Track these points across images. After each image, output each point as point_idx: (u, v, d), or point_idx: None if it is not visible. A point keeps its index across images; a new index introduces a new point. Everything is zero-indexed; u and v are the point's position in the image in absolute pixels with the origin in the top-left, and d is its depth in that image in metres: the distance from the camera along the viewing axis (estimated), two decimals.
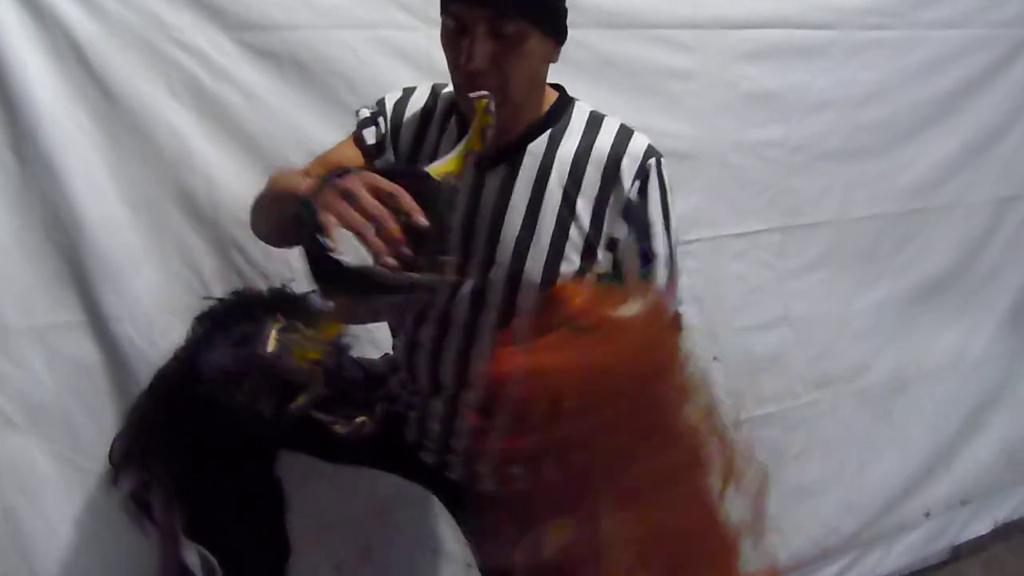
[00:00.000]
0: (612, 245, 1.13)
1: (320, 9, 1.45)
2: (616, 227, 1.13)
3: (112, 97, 1.34)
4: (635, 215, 1.12)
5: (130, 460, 1.37)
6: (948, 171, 2.15)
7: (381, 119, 1.20)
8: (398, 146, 1.20)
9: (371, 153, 1.19)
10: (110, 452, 1.38)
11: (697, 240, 1.82)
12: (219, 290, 1.43)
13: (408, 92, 1.23)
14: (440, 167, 0.99)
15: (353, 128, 1.22)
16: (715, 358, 1.93)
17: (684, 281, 1.74)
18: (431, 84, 1.23)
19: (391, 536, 1.65)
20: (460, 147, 1.01)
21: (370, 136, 1.19)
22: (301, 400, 1.27)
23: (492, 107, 1.00)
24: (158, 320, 1.41)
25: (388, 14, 1.49)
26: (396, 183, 0.90)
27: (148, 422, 1.36)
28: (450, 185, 0.98)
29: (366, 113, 1.22)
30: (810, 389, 2.05)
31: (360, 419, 1.32)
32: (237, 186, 1.42)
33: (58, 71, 1.31)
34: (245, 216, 1.44)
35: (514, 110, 1.10)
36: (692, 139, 1.80)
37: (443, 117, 1.19)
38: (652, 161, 1.13)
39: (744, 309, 1.94)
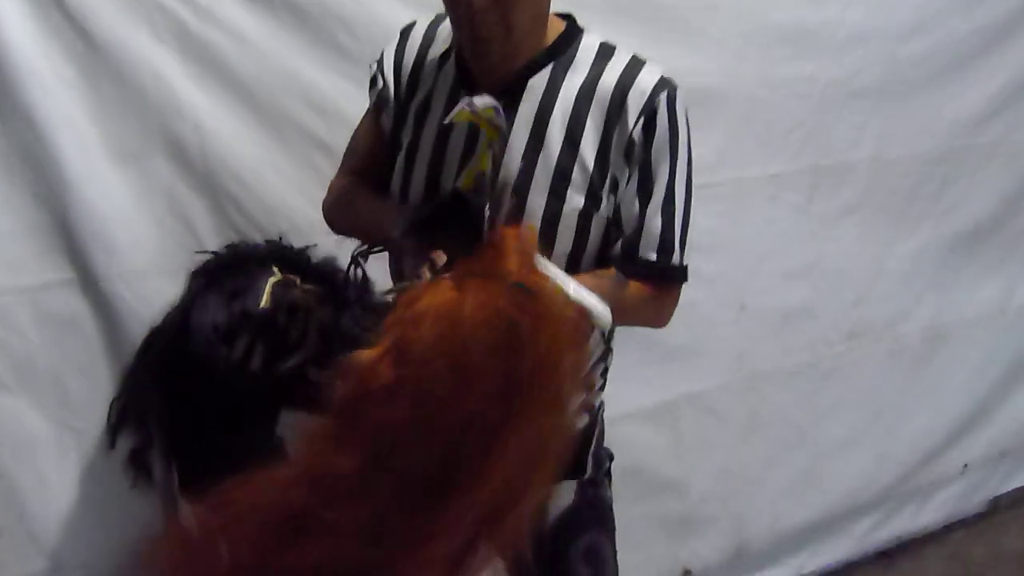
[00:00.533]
0: (615, 188, 1.05)
1: None
2: (619, 169, 1.04)
3: (93, 43, 1.27)
4: (637, 156, 1.04)
5: (127, 421, 1.34)
6: (992, 108, 2.03)
7: (379, 76, 1.16)
8: (399, 92, 1.14)
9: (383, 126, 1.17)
10: (108, 413, 1.34)
11: (721, 183, 1.72)
12: (214, 244, 1.37)
13: (405, 34, 1.17)
14: (472, 169, 0.96)
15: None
16: (742, 307, 1.85)
17: (709, 224, 1.67)
18: (431, 17, 1.14)
19: None
20: (481, 144, 0.96)
21: (373, 96, 1.18)
22: (294, 358, 1.22)
23: (500, 119, 0.91)
24: (151, 277, 1.36)
25: None
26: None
27: (143, 382, 1.32)
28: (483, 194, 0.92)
29: (372, 70, 1.18)
30: (843, 339, 1.96)
31: None
32: (228, 135, 1.36)
33: (35, 17, 1.24)
34: (236, 165, 1.39)
35: (516, 44, 1.01)
36: (716, 74, 1.69)
37: (441, 56, 1.11)
38: (663, 96, 1.04)
39: (773, 255, 1.85)
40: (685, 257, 1.10)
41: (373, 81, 1.17)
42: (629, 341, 1.75)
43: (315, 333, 1.26)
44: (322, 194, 1.29)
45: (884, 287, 1.98)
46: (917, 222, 1.99)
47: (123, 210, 1.34)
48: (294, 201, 1.43)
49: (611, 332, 1.21)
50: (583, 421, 1.22)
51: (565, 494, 1.22)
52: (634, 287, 1.06)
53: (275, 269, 1.28)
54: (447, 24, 1.10)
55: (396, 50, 1.15)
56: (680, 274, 1.10)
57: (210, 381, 1.21)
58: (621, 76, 1.05)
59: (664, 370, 1.80)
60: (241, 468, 1.27)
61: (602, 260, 1.10)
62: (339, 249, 1.41)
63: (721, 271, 1.77)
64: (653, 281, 1.08)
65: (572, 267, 1.06)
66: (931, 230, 2.01)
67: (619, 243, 1.07)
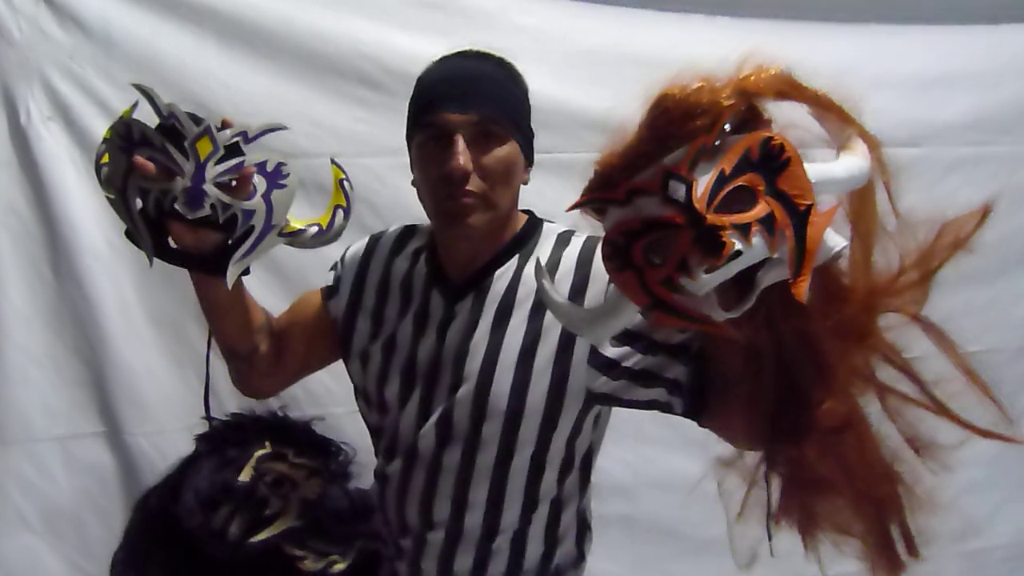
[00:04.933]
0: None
1: (346, 138, 1.48)
2: None
3: None
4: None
5: (127, 572, 1.40)
6: None
7: (340, 265, 1.23)
8: (360, 289, 1.19)
9: (330, 310, 1.22)
10: (111, 563, 1.41)
11: None
12: (231, 406, 1.44)
13: (373, 241, 1.23)
14: (312, 219, 1.06)
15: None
16: None
17: None
18: (399, 228, 1.22)
19: None
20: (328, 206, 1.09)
21: (331, 280, 1.23)
22: (268, 531, 1.25)
23: (348, 185, 1.08)
24: (174, 434, 1.45)
25: None
26: None
27: (139, 538, 1.38)
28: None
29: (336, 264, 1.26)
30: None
31: (332, 557, 1.27)
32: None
33: (97, 195, 1.40)
34: None
35: (494, 221, 1.06)
36: None
37: (413, 253, 1.17)
38: None
39: None
40: None
41: (334, 267, 1.23)
42: (654, 531, 1.69)
43: (296, 507, 1.30)
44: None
45: (952, 494, 1.81)
46: (992, 425, 1.82)
47: (155, 370, 1.45)
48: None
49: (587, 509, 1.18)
50: None
51: None
52: None
53: (267, 442, 1.34)
54: (414, 237, 1.18)
55: (364, 252, 1.21)
56: None
57: (193, 546, 1.26)
58: (582, 250, 1.06)
59: (692, 564, 1.69)
60: None
61: (576, 429, 1.07)
62: (350, 420, 1.47)
63: None
64: None
65: (545, 431, 1.05)
66: (1013, 432, 1.83)
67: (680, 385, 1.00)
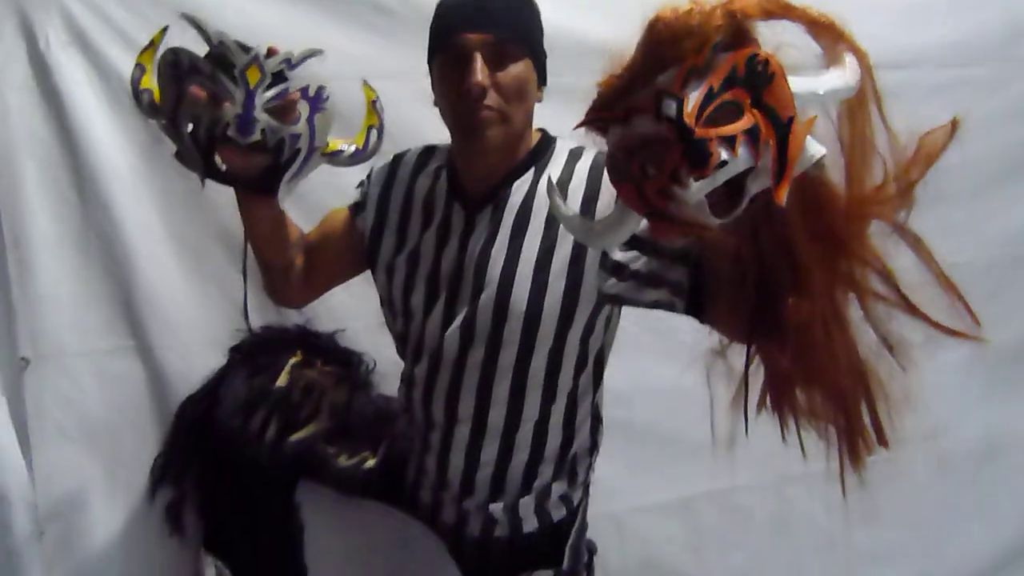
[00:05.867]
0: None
1: (359, 61, 1.52)
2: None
3: (163, 143, 1.46)
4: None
5: (166, 476, 1.50)
6: None
7: (367, 182, 1.31)
8: (385, 206, 1.27)
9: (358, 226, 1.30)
10: (151, 468, 1.51)
11: None
12: (255, 322, 1.52)
13: (397, 159, 1.31)
14: (348, 139, 1.14)
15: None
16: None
17: None
18: (420, 147, 1.30)
19: (415, 569, 1.68)
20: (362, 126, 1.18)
21: (359, 196, 1.32)
22: (304, 432, 1.35)
23: (379, 106, 1.17)
24: (198, 348, 1.52)
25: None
26: None
27: (181, 443, 1.48)
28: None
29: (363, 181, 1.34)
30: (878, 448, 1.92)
31: (364, 454, 1.37)
32: None
33: (117, 120, 1.46)
34: None
35: (510, 136, 1.13)
36: None
37: (435, 171, 1.24)
38: None
39: None
40: None
41: (360, 185, 1.31)
42: (649, 435, 1.81)
43: (327, 410, 1.40)
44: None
45: (923, 397, 1.93)
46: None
47: (178, 288, 1.52)
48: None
49: (599, 419, 1.29)
50: (562, 514, 1.28)
51: None
52: None
53: (298, 351, 1.43)
54: (435, 155, 1.26)
55: (388, 171, 1.29)
56: None
57: (232, 447, 1.36)
58: (591, 167, 1.15)
59: (685, 466, 1.81)
60: (259, 530, 1.41)
61: (589, 328, 1.17)
62: (367, 334, 1.56)
63: None
64: None
65: (562, 330, 1.14)
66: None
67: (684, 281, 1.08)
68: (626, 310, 1.24)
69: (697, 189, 0.72)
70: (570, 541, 1.30)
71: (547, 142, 1.20)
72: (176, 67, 1.00)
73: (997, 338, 1.97)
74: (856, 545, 1.94)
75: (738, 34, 0.76)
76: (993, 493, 2.02)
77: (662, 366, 1.72)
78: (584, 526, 1.34)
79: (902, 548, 1.98)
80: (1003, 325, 1.97)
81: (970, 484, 2.00)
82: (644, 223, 0.82)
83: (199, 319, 1.54)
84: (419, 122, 1.52)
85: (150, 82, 1.06)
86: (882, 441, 1.02)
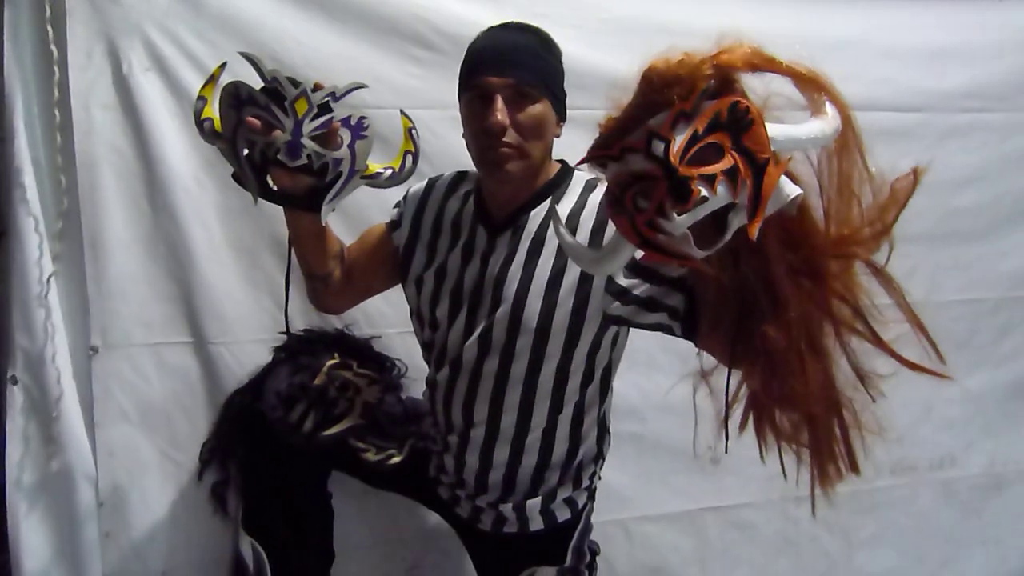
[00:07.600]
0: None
1: (401, 92, 1.67)
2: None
3: (223, 163, 1.61)
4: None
5: (213, 460, 1.65)
6: None
7: (403, 202, 1.45)
8: (419, 224, 1.40)
9: (395, 240, 1.43)
10: (200, 451, 1.67)
11: None
12: (299, 324, 1.67)
13: (432, 183, 1.44)
14: (385, 163, 1.25)
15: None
16: None
17: None
18: (452, 175, 1.42)
19: (437, 560, 1.81)
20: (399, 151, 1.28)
21: (395, 215, 1.45)
22: (338, 427, 1.48)
23: (415, 134, 1.28)
24: (248, 345, 1.67)
25: None
26: None
27: (228, 430, 1.63)
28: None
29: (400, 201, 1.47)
30: (885, 474, 2.00)
31: (390, 451, 1.50)
32: None
33: (186, 138, 1.62)
34: None
35: (528, 169, 1.25)
36: None
37: (464, 195, 1.37)
38: None
39: None
40: None
41: (397, 205, 1.45)
42: (660, 448, 1.91)
43: (360, 409, 1.53)
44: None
45: (934, 427, 2.01)
46: (974, 366, 2.01)
47: (233, 291, 1.68)
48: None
49: (606, 420, 1.39)
50: (566, 516, 1.39)
51: None
52: None
53: (336, 354, 1.57)
54: (465, 181, 1.39)
55: (423, 193, 1.42)
56: None
57: (273, 437, 1.50)
58: (601, 199, 1.22)
59: (691, 480, 1.91)
60: (293, 513, 1.54)
61: (595, 345, 1.27)
62: (400, 340, 1.70)
63: None
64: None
65: (569, 346, 1.25)
66: (990, 375, 2.02)
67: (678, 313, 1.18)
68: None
69: (681, 222, 0.80)
70: (572, 542, 1.40)
71: (564, 174, 1.32)
72: (236, 97, 1.13)
73: (1005, 373, 2.07)
74: (859, 567, 2.01)
75: (725, 83, 0.86)
76: (998, 524, 2.07)
77: (674, 382, 1.81)
78: (588, 528, 1.45)
79: (904, 574, 2.04)
80: (1012, 361, 2.04)
81: (975, 515, 2.06)
82: (635, 254, 0.90)
83: (250, 319, 1.69)
84: (455, 146, 1.68)
85: (211, 111, 1.21)
86: (853, 467, 1.08)
